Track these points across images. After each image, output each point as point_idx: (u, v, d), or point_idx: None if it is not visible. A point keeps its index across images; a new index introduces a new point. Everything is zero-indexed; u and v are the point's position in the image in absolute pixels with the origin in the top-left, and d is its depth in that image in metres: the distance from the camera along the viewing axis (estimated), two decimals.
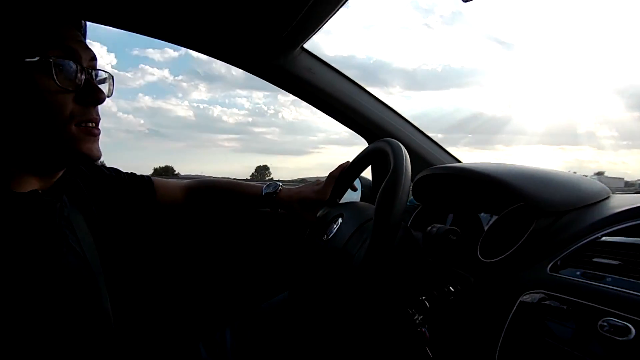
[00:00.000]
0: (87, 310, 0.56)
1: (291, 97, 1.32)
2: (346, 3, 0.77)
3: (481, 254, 0.65)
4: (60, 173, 0.57)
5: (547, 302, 0.47)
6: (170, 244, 1.07)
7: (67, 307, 0.52)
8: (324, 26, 0.86)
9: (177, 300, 1.08)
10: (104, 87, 0.58)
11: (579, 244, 0.53)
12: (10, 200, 0.49)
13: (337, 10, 0.78)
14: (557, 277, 0.50)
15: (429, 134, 1.11)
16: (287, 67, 0.98)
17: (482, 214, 0.82)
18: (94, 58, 0.56)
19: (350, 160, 0.87)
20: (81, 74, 0.53)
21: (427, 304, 0.58)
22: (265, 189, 0.92)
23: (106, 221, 0.71)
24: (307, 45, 0.97)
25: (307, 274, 0.75)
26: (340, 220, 0.74)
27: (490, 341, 0.51)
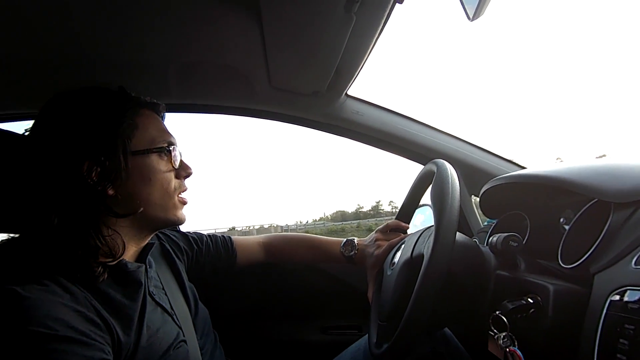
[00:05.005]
0: None
1: None
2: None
3: (562, 260, 0.61)
4: (149, 239, 0.64)
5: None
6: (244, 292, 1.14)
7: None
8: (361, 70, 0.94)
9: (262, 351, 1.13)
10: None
11: None
12: (118, 270, 0.56)
13: (368, 56, 0.86)
14: None
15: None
16: (335, 115, 1.07)
17: (562, 219, 0.76)
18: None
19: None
20: (178, 155, 0.63)
21: (505, 320, 0.55)
22: (343, 249, 0.92)
23: (192, 278, 0.78)
24: (350, 91, 1.04)
25: (393, 301, 0.72)
26: (403, 245, 0.76)
27: (587, 349, 0.47)
